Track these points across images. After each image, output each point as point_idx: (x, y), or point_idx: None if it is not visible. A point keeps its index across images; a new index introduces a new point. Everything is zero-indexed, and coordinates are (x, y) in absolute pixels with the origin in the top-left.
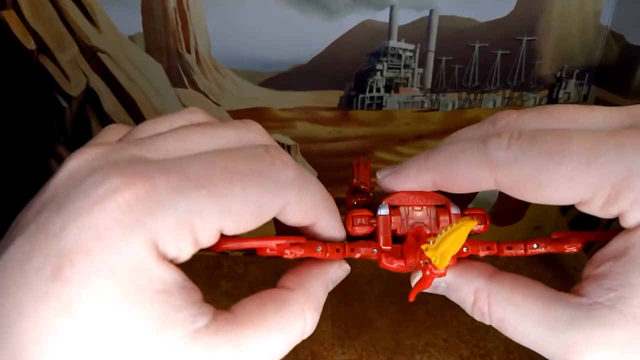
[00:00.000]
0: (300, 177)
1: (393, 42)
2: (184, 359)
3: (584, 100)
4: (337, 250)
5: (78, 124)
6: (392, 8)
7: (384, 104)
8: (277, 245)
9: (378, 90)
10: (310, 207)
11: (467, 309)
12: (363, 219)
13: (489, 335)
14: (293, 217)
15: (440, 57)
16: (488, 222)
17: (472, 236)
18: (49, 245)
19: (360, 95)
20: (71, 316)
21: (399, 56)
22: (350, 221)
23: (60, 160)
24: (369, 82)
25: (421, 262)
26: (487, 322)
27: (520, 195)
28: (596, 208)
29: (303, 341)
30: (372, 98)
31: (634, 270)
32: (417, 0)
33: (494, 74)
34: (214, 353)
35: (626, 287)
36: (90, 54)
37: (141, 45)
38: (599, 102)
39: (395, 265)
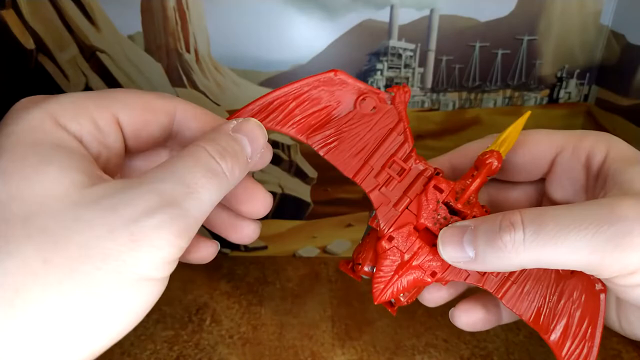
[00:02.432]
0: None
1: (393, 42)
2: (86, 195)
3: (584, 100)
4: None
5: None
6: (392, 7)
7: None
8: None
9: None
10: (201, 111)
11: (494, 228)
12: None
13: (489, 336)
14: (191, 124)
15: (440, 56)
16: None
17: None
18: None
19: None
20: None
21: (400, 56)
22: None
23: None
24: (369, 82)
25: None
26: (516, 236)
27: None
28: None
29: (303, 342)
30: None
31: None
32: (417, 0)
33: (494, 73)
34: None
35: None
36: (90, 54)
37: (140, 44)
38: (600, 101)
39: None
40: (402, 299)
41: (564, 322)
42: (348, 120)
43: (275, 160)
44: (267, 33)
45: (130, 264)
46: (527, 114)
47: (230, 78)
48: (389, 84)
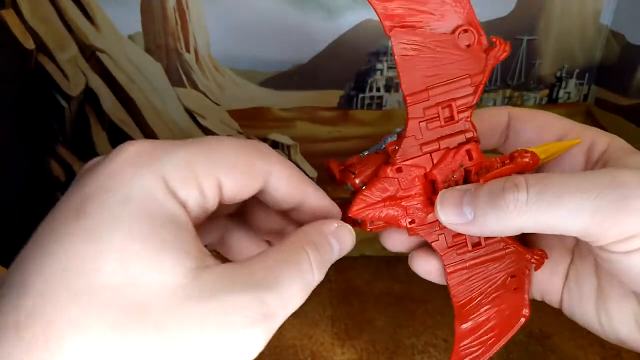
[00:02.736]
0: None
1: None
2: (197, 287)
3: (584, 100)
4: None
5: (78, 124)
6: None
7: (384, 103)
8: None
9: (378, 90)
10: (295, 176)
11: (497, 190)
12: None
13: None
14: (281, 189)
15: None
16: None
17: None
18: (74, 191)
19: (360, 95)
20: (96, 241)
21: None
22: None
23: (60, 160)
24: (369, 82)
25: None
26: (520, 196)
27: None
28: None
29: (303, 341)
30: (372, 98)
31: None
32: None
33: (494, 73)
34: (225, 286)
35: None
36: (90, 54)
37: (141, 44)
38: (600, 101)
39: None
40: (369, 225)
41: (480, 320)
42: (439, 41)
43: None
44: (267, 33)
45: None
46: (578, 141)
47: (230, 78)
48: (389, 84)
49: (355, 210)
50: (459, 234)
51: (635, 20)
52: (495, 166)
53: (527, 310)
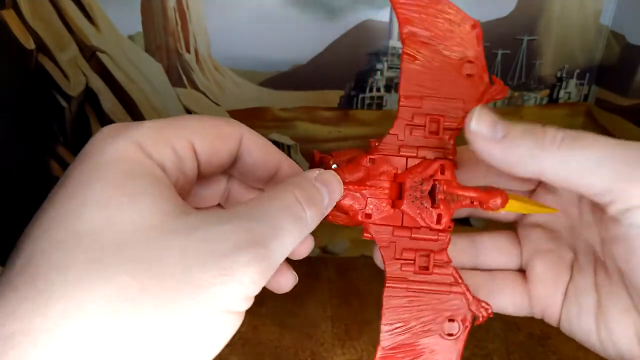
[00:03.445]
0: None
1: (393, 42)
2: (178, 224)
3: (584, 100)
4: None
5: (77, 124)
6: (392, 7)
7: (384, 103)
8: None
9: (378, 90)
10: (266, 143)
11: (536, 127)
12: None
13: (489, 336)
14: (254, 152)
15: None
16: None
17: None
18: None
19: (361, 95)
20: (76, 197)
21: (399, 56)
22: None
23: (60, 160)
24: (369, 82)
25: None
26: (558, 134)
27: None
28: None
29: (303, 342)
30: (372, 98)
31: None
32: None
33: (494, 73)
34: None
35: None
36: (90, 54)
37: (140, 44)
38: (600, 101)
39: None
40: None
41: (403, 350)
42: (446, 61)
43: None
44: (267, 33)
45: (219, 297)
46: (555, 210)
47: (230, 78)
48: (389, 84)
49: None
50: (411, 249)
51: (635, 20)
52: (465, 195)
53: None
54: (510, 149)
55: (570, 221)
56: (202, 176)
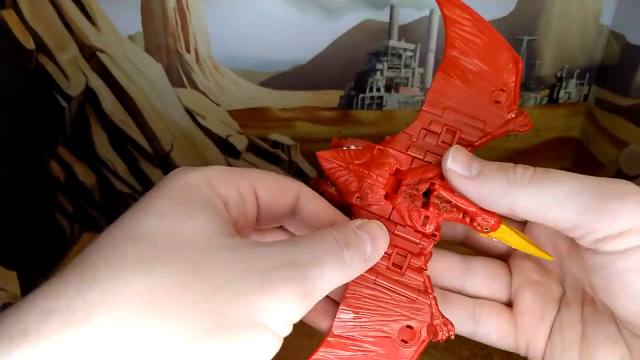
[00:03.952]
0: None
1: (393, 42)
2: (231, 240)
3: (584, 100)
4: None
5: (77, 124)
6: (392, 7)
7: (384, 103)
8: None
9: (378, 90)
10: (322, 199)
11: (508, 165)
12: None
13: None
14: (309, 205)
15: (440, 56)
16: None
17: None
18: None
19: (360, 95)
20: (141, 209)
21: (399, 56)
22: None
23: (60, 160)
24: (369, 82)
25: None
26: (527, 172)
27: None
28: None
29: (303, 341)
30: (372, 98)
31: None
32: (417, 0)
33: None
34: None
35: None
36: (90, 54)
37: (140, 44)
38: (600, 101)
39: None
40: (329, 185)
41: (352, 343)
42: (479, 82)
43: (275, 160)
44: (267, 33)
45: (256, 307)
46: (550, 258)
47: (230, 78)
48: (389, 84)
49: (324, 158)
50: (390, 244)
51: (635, 20)
52: (459, 207)
53: None
54: (483, 185)
55: (560, 255)
56: (261, 223)
